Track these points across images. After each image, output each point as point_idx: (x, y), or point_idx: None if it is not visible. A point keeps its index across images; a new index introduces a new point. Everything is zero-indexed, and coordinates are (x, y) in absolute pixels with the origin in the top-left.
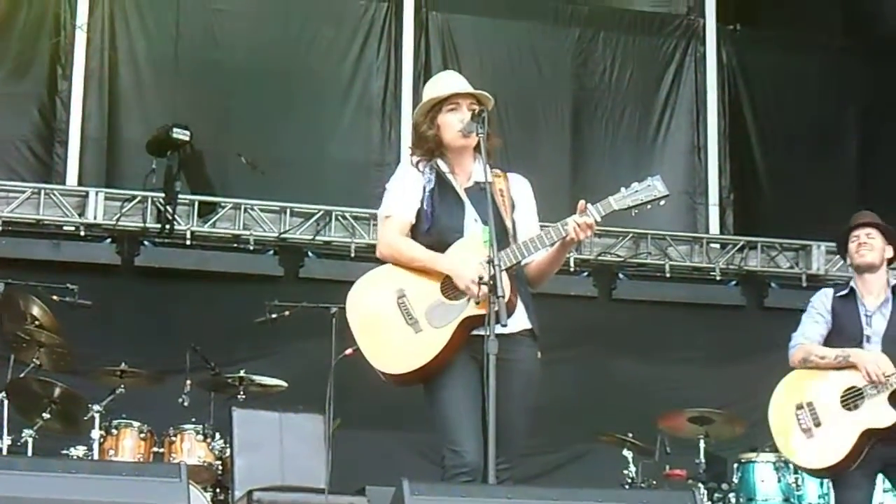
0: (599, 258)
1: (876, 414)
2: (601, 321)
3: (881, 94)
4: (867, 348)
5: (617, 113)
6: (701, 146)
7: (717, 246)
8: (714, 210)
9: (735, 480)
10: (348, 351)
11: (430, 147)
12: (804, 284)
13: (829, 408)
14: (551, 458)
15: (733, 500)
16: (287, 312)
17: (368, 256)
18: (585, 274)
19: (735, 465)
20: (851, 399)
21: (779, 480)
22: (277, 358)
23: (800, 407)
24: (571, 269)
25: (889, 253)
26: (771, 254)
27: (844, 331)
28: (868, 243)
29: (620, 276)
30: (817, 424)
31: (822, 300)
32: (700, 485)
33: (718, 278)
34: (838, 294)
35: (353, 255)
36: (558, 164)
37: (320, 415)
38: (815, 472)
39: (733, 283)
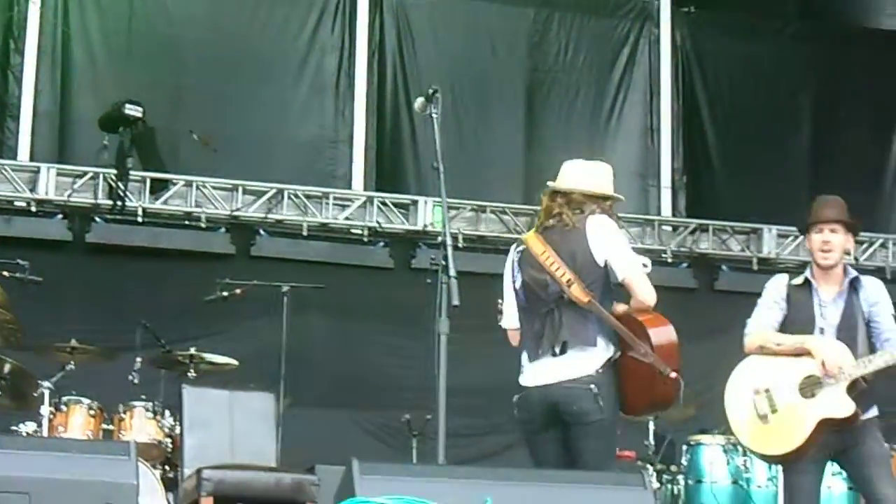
0: None
1: (833, 403)
2: None
3: (835, 80)
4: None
5: (571, 93)
6: (654, 128)
7: (669, 228)
8: (666, 192)
9: (684, 462)
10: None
11: None
12: (755, 268)
13: (787, 395)
14: (501, 439)
15: (682, 482)
16: (238, 291)
17: (320, 235)
18: None
19: (684, 447)
20: (809, 387)
21: (728, 462)
22: (228, 336)
23: (757, 392)
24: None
25: (850, 244)
26: (722, 237)
27: (798, 320)
28: (830, 243)
29: None
30: (773, 411)
31: (778, 287)
32: (649, 466)
33: (670, 260)
34: (793, 282)
35: (305, 233)
36: (512, 143)
37: (271, 393)
38: (768, 459)
39: (685, 265)
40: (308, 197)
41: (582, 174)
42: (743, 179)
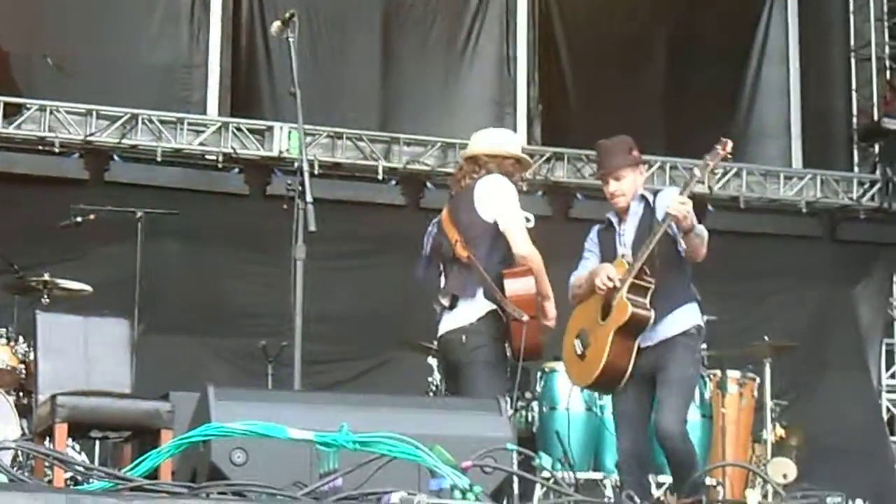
0: (408, 167)
1: (618, 313)
2: (409, 230)
3: (691, 12)
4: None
5: (428, 21)
6: (510, 57)
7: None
8: (522, 120)
9: (538, 389)
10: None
11: None
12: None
13: (592, 326)
14: (357, 364)
15: (536, 409)
16: (92, 216)
17: (174, 161)
18: (394, 182)
19: (538, 374)
20: (605, 311)
21: (581, 389)
22: (82, 262)
23: (577, 336)
24: (380, 178)
25: (641, 175)
26: (577, 165)
27: (606, 257)
28: (619, 191)
29: (429, 185)
30: (586, 347)
31: (591, 236)
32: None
33: (525, 189)
34: (601, 227)
35: (159, 159)
36: (369, 69)
37: (125, 320)
38: (591, 388)
39: (540, 193)
40: (162, 122)
41: (485, 137)
42: (598, 108)
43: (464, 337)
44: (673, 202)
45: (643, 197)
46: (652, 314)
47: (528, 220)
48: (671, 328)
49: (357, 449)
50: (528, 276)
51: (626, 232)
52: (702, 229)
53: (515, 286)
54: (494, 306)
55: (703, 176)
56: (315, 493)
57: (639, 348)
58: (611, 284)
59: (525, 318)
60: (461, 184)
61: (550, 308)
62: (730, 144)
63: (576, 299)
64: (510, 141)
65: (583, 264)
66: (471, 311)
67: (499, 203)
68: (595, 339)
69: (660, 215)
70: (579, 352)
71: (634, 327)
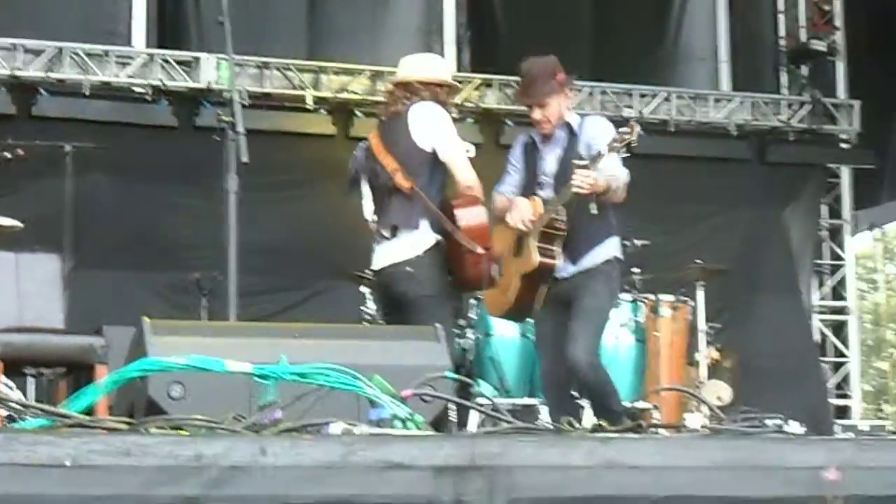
0: (337, 96)
1: (526, 258)
2: (339, 159)
3: None
4: (542, 193)
5: None
6: None
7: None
8: (450, 47)
9: (473, 316)
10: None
11: None
12: None
13: (507, 257)
14: (290, 295)
15: (471, 336)
16: (20, 151)
17: (102, 94)
18: (323, 112)
19: (472, 302)
20: (518, 245)
21: None
22: (11, 198)
23: (496, 260)
24: (310, 107)
25: (567, 99)
26: (507, 91)
27: (526, 178)
28: (543, 118)
29: (358, 113)
30: (500, 275)
31: (514, 149)
32: None
33: (456, 116)
34: (526, 141)
35: (87, 92)
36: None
37: (56, 255)
38: (504, 318)
39: (470, 120)
40: (89, 55)
41: (417, 63)
42: (526, 34)
43: (409, 269)
44: (576, 178)
45: (568, 125)
46: (559, 261)
47: (467, 150)
48: (589, 261)
49: (296, 380)
50: (478, 205)
51: (548, 159)
52: (617, 181)
53: (467, 217)
54: (438, 238)
55: (608, 154)
56: (255, 426)
57: (556, 278)
58: (523, 228)
59: (479, 249)
60: (391, 109)
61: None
62: (637, 129)
63: (495, 219)
64: (441, 67)
65: (506, 179)
66: (415, 242)
67: (437, 132)
68: (507, 272)
69: (583, 147)
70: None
71: (540, 276)
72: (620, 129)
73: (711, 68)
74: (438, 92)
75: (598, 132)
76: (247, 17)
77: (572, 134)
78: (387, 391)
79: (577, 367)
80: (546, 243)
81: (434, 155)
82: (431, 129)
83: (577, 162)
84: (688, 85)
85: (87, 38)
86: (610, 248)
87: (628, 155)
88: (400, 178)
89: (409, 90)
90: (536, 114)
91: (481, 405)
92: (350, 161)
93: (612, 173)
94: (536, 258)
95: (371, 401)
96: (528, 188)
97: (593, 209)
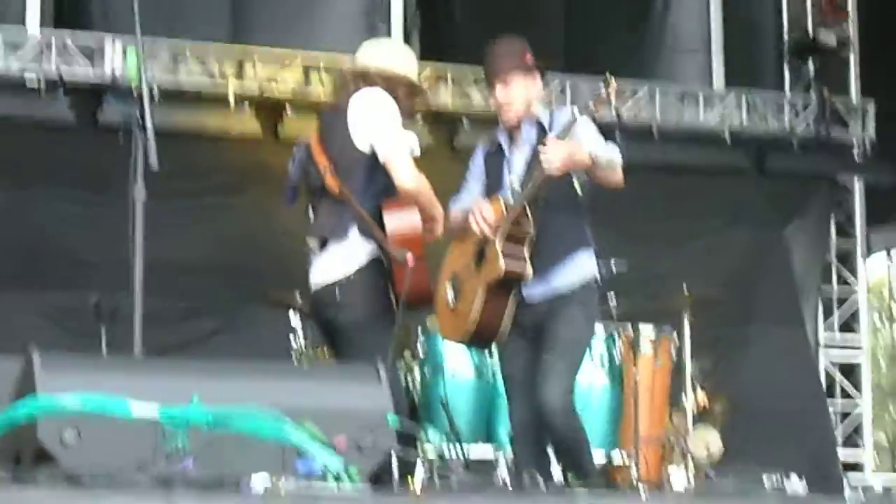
0: (263, 90)
1: (491, 265)
2: (266, 164)
3: None
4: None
5: None
6: None
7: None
8: (397, 33)
9: (419, 349)
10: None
11: None
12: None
13: (466, 272)
14: (206, 322)
15: (418, 372)
16: None
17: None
18: (247, 107)
19: (420, 334)
20: (479, 257)
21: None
22: None
23: (450, 280)
24: (231, 103)
25: (535, 87)
26: (463, 86)
27: (492, 187)
28: (507, 103)
29: (288, 111)
30: (458, 294)
31: (475, 157)
32: None
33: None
34: (488, 148)
35: None
36: None
37: None
38: (465, 344)
39: (418, 119)
40: None
41: (379, 50)
42: (488, 19)
43: (337, 291)
44: (544, 150)
45: (537, 121)
46: (528, 269)
47: (412, 148)
48: (562, 280)
49: (210, 425)
50: (411, 207)
51: (516, 159)
52: (607, 155)
53: (396, 221)
54: (373, 248)
55: (586, 115)
56: (161, 478)
57: (525, 303)
58: (486, 230)
59: (409, 258)
60: (335, 100)
61: (438, 228)
62: (613, 82)
63: (451, 234)
64: (408, 61)
65: (465, 190)
66: (345, 257)
67: (376, 126)
68: (467, 289)
69: None
70: (450, 301)
71: (507, 283)
72: (595, 91)
73: (702, 62)
74: (398, 89)
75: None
76: None
77: (542, 131)
78: (317, 439)
79: (547, 410)
80: (512, 247)
81: (373, 154)
82: (370, 121)
83: (547, 139)
84: (675, 80)
85: None
86: (585, 265)
87: (616, 120)
88: (329, 177)
89: (364, 79)
90: (498, 93)
91: (428, 456)
92: (289, 162)
93: (595, 147)
94: (501, 264)
95: (299, 450)
96: (493, 194)
97: (579, 190)
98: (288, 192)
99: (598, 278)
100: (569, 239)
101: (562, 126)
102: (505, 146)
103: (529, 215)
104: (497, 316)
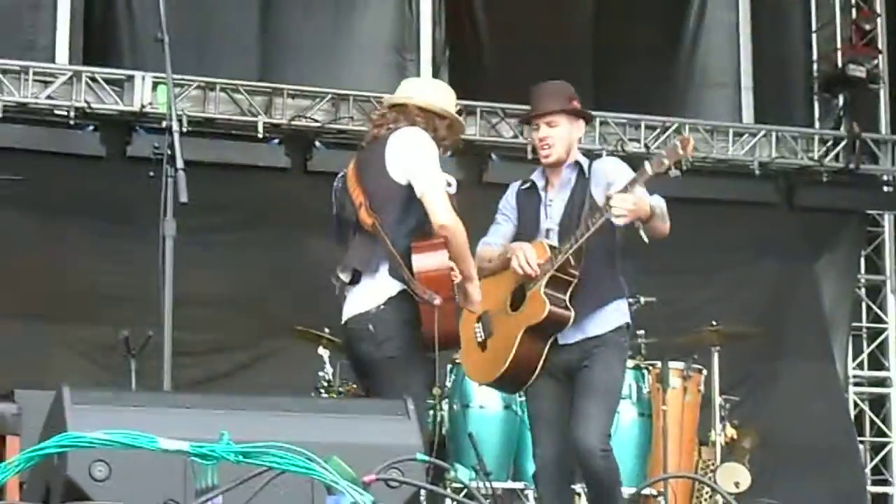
0: (293, 123)
1: (532, 308)
2: (295, 197)
3: None
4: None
5: None
6: None
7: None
8: (427, 68)
9: (448, 384)
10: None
11: None
12: (530, 156)
13: (499, 313)
14: (235, 356)
15: (446, 407)
16: None
17: (17, 117)
18: (277, 141)
19: (448, 367)
20: (518, 297)
21: None
22: None
23: (478, 320)
24: (260, 136)
25: (578, 132)
26: (492, 121)
27: (525, 228)
28: (548, 138)
29: (317, 144)
30: (489, 335)
31: (508, 196)
32: None
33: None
34: (523, 186)
35: (0, 115)
36: (245, 9)
37: None
38: (495, 387)
39: (448, 154)
40: (3, 72)
41: (421, 88)
42: (516, 55)
43: (370, 326)
44: (614, 203)
45: (577, 164)
46: (572, 314)
47: (449, 184)
48: (595, 328)
49: (240, 461)
50: (441, 249)
51: (554, 203)
52: (659, 206)
53: (425, 262)
54: (402, 286)
55: (653, 173)
56: None
57: (557, 343)
58: (531, 272)
59: (437, 300)
60: (373, 133)
61: (474, 291)
62: (692, 144)
63: (482, 273)
64: (448, 98)
65: (494, 229)
66: (376, 291)
67: (414, 162)
68: (501, 330)
69: (595, 189)
70: (480, 339)
71: (550, 328)
72: (670, 143)
73: (732, 96)
74: (438, 125)
75: (615, 170)
76: (189, 30)
77: (582, 175)
78: (346, 475)
79: (586, 454)
80: (556, 291)
81: (409, 189)
82: (408, 157)
83: (611, 191)
84: (704, 116)
85: (2, 51)
86: (621, 313)
87: (679, 173)
88: (364, 212)
89: (404, 115)
90: (542, 132)
91: (457, 492)
92: (332, 194)
93: (654, 199)
94: (547, 308)
95: (328, 486)
96: (529, 236)
97: (644, 237)
98: (332, 223)
99: (630, 324)
100: (604, 288)
101: (625, 179)
102: (540, 186)
103: (573, 261)
104: (533, 360)
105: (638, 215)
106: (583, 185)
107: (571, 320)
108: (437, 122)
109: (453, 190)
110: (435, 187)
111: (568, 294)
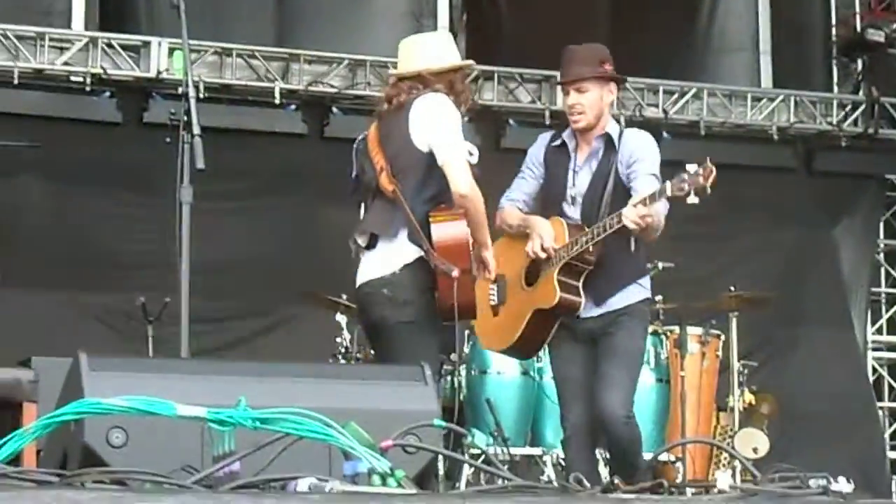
0: (310, 89)
1: (544, 292)
2: (312, 164)
3: None
4: (568, 211)
5: None
6: None
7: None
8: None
9: (466, 350)
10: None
11: None
12: (547, 122)
13: (514, 282)
14: (251, 322)
15: (463, 373)
16: None
17: (34, 84)
18: (293, 108)
19: (466, 333)
20: (533, 273)
21: None
22: None
23: (494, 280)
24: (277, 102)
25: (609, 97)
26: (510, 86)
27: (551, 190)
28: (578, 105)
29: (334, 110)
30: (502, 301)
31: (535, 150)
32: None
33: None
34: (553, 143)
35: (16, 81)
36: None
37: None
38: (505, 354)
39: (467, 118)
40: (19, 38)
41: (424, 51)
42: (534, 19)
43: (386, 290)
44: (630, 215)
45: (608, 136)
46: (582, 300)
47: (471, 153)
48: (619, 302)
49: (257, 427)
50: (460, 220)
51: (581, 172)
52: (659, 216)
53: (443, 233)
54: (420, 252)
55: (672, 195)
56: (208, 480)
57: (580, 318)
58: (544, 256)
59: (455, 272)
60: (395, 100)
61: (489, 259)
62: (714, 175)
63: (501, 231)
64: (450, 49)
65: (518, 184)
66: (393, 256)
67: (437, 130)
68: (513, 302)
69: (623, 165)
70: (493, 302)
71: (560, 312)
72: (692, 170)
73: (750, 61)
74: (454, 80)
75: (641, 150)
76: None
77: (611, 147)
78: (363, 441)
79: (611, 421)
80: (569, 278)
81: (430, 156)
82: (431, 125)
83: (638, 198)
84: (722, 80)
85: (18, 18)
86: (643, 288)
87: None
88: (384, 178)
89: (422, 82)
90: (572, 98)
91: (474, 457)
92: (353, 155)
93: (660, 213)
94: (557, 294)
95: (345, 452)
96: (551, 202)
97: (632, 246)
98: (352, 183)
99: (651, 299)
100: (626, 271)
101: (629, 166)
102: (570, 147)
103: (591, 248)
104: (540, 337)
105: (650, 229)
106: (610, 157)
107: (582, 306)
108: (453, 77)
109: (475, 159)
110: (457, 157)
111: (581, 280)
